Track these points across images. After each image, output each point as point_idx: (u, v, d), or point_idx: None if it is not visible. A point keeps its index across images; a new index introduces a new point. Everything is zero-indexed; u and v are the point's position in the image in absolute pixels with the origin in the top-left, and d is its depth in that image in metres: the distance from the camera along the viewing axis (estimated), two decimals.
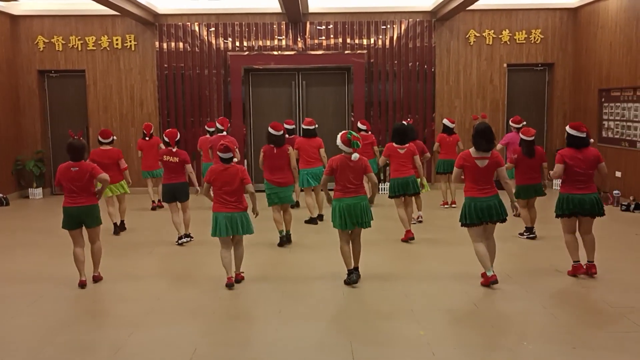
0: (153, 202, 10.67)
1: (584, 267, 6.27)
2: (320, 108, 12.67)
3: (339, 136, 6.08)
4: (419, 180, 8.29)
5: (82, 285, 6.18)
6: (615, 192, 10.44)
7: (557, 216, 6.31)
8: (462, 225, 6.00)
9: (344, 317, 5.35)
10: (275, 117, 11.61)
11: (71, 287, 6.21)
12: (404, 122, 8.78)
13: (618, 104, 10.84)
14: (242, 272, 6.33)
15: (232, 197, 6.07)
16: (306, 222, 9.15)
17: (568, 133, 6.20)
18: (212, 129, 10.67)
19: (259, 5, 12.18)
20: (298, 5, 10.83)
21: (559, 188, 6.54)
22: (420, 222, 9.00)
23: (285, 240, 7.81)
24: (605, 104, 11.26)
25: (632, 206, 9.85)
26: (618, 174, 10.76)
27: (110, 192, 8.50)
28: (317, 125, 9.53)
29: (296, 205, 10.02)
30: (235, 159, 6.22)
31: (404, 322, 5.20)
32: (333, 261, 6.50)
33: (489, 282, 5.92)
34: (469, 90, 12.49)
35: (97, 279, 6.38)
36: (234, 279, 6.14)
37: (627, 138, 10.56)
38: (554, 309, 5.46)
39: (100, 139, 8.60)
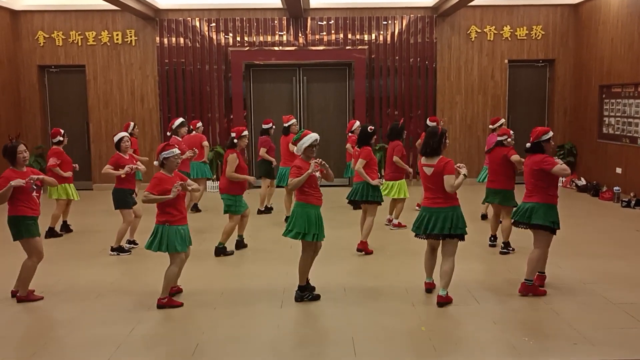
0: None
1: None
2: (321, 104, 12.66)
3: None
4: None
5: (15, 294, 5.74)
6: (615, 188, 10.44)
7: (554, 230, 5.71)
8: (415, 236, 5.66)
9: (346, 314, 5.36)
10: (276, 112, 11.64)
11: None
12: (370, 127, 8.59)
13: (619, 100, 10.82)
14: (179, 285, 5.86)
15: (184, 208, 5.57)
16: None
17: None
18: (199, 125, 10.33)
19: (260, 0, 12.15)
20: (299, 1, 10.81)
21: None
22: (391, 224, 8.69)
23: (238, 244, 7.45)
24: (606, 100, 11.25)
25: (633, 202, 9.85)
26: (618, 170, 10.76)
27: (57, 194, 8.07)
28: (294, 121, 9.49)
29: (267, 211, 9.78)
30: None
31: (405, 318, 5.21)
32: (331, 262, 6.49)
33: (426, 287, 5.82)
34: (470, 86, 12.47)
35: (14, 294, 5.75)
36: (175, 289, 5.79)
37: (628, 134, 10.55)
38: (555, 305, 5.46)
39: (51, 138, 8.37)
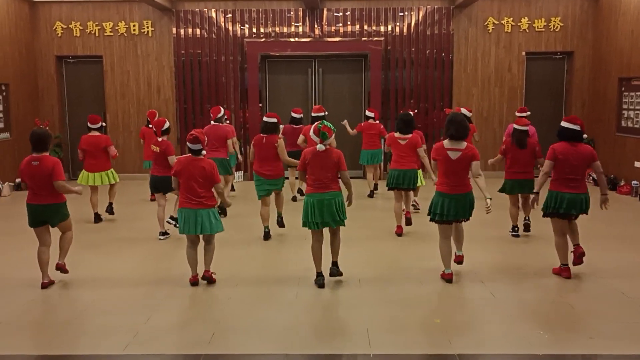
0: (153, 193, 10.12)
1: (571, 252, 6.05)
2: (336, 95, 12.63)
3: (312, 126, 5.78)
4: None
5: (45, 286, 5.75)
6: (633, 182, 10.33)
7: (545, 215, 6.05)
8: (430, 220, 5.88)
9: (360, 304, 5.37)
10: (292, 104, 11.65)
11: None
12: (409, 111, 8.60)
13: (639, 93, 10.68)
14: (214, 273, 5.93)
15: (199, 193, 5.70)
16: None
17: (561, 126, 5.88)
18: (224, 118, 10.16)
19: None
20: None
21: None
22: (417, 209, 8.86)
23: (278, 222, 7.74)
24: (625, 93, 11.10)
25: None
26: (637, 164, 10.63)
27: (93, 182, 8.32)
28: (326, 113, 9.48)
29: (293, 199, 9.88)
30: (204, 152, 5.80)
31: (419, 309, 5.22)
32: (346, 252, 6.47)
33: (445, 277, 5.85)
34: (487, 78, 12.38)
35: (60, 267, 5.91)
36: (199, 277, 5.84)
37: None
38: (570, 298, 5.44)
39: (88, 124, 8.41)
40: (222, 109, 9.09)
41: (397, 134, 7.56)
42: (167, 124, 7.58)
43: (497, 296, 5.50)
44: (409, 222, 7.85)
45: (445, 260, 5.90)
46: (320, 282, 5.78)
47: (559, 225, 5.99)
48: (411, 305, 5.31)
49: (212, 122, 8.92)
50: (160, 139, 7.44)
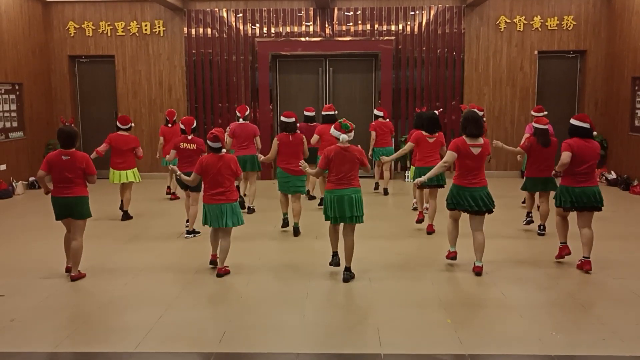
0: (174, 193, 10.34)
1: (580, 262, 6.15)
2: (347, 95, 12.63)
3: (333, 126, 5.95)
4: None
5: (69, 270, 6.09)
6: None
7: (565, 210, 6.24)
8: (447, 207, 6.16)
9: (371, 304, 5.37)
10: (302, 103, 11.64)
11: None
12: (435, 111, 8.66)
13: None
14: (227, 267, 6.12)
15: (222, 188, 5.96)
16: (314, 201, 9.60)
17: (572, 124, 6.09)
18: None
19: None
20: None
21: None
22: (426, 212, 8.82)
23: (295, 231, 7.71)
24: (639, 93, 11.01)
25: None
26: None
27: (119, 179, 8.52)
28: (336, 112, 9.49)
29: (310, 198, 9.96)
30: (224, 150, 6.07)
31: (430, 309, 5.20)
32: (357, 250, 6.47)
33: (449, 256, 6.30)
34: (499, 77, 12.32)
35: (75, 277, 5.98)
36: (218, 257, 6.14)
37: None
38: (583, 299, 5.41)
39: (118, 124, 8.63)
40: (248, 108, 9.25)
41: (424, 133, 7.74)
42: (195, 123, 7.84)
43: (508, 296, 5.48)
44: (419, 221, 7.97)
45: (450, 238, 6.27)
46: (335, 261, 6.01)
47: (584, 218, 6.12)
48: (422, 305, 5.30)
49: (241, 120, 9.04)
50: (190, 137, 7.62)
